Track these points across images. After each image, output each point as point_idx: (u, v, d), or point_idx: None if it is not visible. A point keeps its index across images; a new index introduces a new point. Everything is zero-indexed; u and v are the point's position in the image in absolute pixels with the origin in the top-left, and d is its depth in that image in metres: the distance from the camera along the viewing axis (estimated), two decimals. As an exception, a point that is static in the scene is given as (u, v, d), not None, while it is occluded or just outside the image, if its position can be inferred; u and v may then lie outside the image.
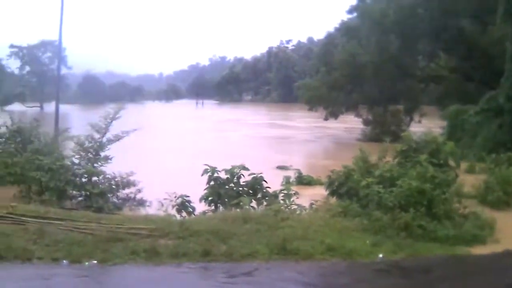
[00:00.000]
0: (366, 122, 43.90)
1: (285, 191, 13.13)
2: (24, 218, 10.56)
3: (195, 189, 13.55)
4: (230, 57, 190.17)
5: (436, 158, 13.66)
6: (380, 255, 9.58)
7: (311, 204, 13.09)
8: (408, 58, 42.43)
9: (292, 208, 12.42)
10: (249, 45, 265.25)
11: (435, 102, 44.66)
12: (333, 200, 13.28)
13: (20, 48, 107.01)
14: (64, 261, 8.55)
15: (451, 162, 14.33)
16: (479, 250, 10.48)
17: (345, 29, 45.64)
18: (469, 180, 15.83)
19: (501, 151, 22.68)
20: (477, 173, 18.70)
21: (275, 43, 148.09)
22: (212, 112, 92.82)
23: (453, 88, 42.33)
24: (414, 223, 10.88)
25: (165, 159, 27.23)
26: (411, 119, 43.27)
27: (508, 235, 11.48)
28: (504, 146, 24.65)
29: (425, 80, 45.85)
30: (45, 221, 10.38)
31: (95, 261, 8.52)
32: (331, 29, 49.77)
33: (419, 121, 42.00)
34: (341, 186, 13.32)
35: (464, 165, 20.15)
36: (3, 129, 20.45)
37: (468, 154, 23.81)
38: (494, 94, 29.33)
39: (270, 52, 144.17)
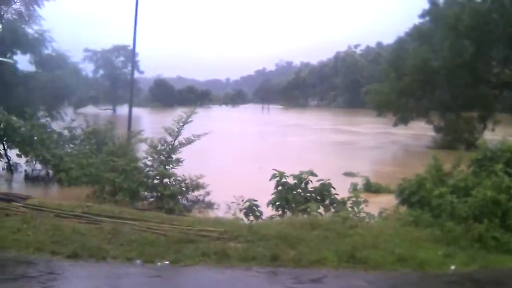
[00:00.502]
0: (437, 129, 42.74)
1: (354, 198, 12.99)
2: (99, 217, 10.99)
3: (262, 193, 13.68)
4: (297, 62, 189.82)
5: (512, 168, 13.10)
6: (453, 267, 9.28)
7: (380, 212, 12.87)
8: (482, 64, 41.05)
9: (361, 216, 12.27)
10: (316, 50, 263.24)
11: (509, 110, 42.91)
12: (403, 209, 13.00)
13: (94, 52, 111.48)
14: (138, 260, 8.79)
15: (528, 173, 13.67)
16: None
17: (417, 34, 44.61)
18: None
19: None
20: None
21: (342, 49, 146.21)
22: (277, 117, 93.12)
23: (527, 96, 40.62)
24: (488, 234, 10.49)
25: (232, 163, 27.57)
26: (485, 127, 41.72)
27: None
28: None
29: (499, 87, 44.14)
30: (120, 221, 10.74)
31: (167, 262, 8.72)
32: (400, 34, 48.78)
33: (492, 129, 40.40)
34: (413, 195, 12.96)
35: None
36: (79, 131, 21.48)
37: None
38: None
39: (337, 57, 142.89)
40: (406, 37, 47.55)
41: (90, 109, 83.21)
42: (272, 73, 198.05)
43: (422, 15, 44.25)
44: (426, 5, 43.14)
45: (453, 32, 38.61)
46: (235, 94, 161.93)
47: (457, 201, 11.47)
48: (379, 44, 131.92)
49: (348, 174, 22.60)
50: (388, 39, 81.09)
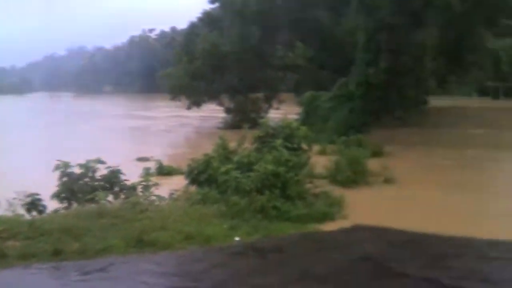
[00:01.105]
0: (227, 111, 44.54)
1: (144, 183, 12.92)
2: None
3: (48, 187, 12.86)
4: (90, 46, 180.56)
5: (291, 142, 14.26)
6: (237, 238, 9.83)
7: (171, 194, 13.05)
8: (267, 48, 43.64)
9: (151, 199, 12.28)
10: (110, 34, 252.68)
11: (292, 90, 46.53)
12: (193, 188, 13.35)
13: None
14: None
15: (305, 146, 15.02)
16: (328, 227, 11.11)
17: (207, 19, 45.77)
18: (321, 162, 16.76)
19: (351, 134, 24.37)
20: (328, 155, 19.79)
21: (137, 33, 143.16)
22: (68, 105, 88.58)
23: (308, 76, 44.50)
24: (269, 204, 11.34)
25: (15, 157, 25.44)
26: (270, 106, 44.69)
27: (355, 210, 12.35)
28: (354, 129, 26.57)
29: (283, 69, 47.57)
30: None
31: None
32: (193, 19, 49.56)
33: (277, 108, 43.46)
34: (201, 174, 13.46)
35: (317, 147, 21.33)
36: None
37: (321, 138, 25.24)
38: (346, 81, 31.42)
39: (132, 41, 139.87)
40: (198, 22, 48.50)
41: None
42: (63, 59, 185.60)
43: (212, 1, 45.37)
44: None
45: (240, 17, 40.37)
46: (21, 82, 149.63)
47: (241, 176, 12.17)
48: (173, 29, 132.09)
49: (141, 159, 22.39)
50: (183, 24, 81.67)
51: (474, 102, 49.57)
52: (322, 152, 21.56)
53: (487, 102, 50.73)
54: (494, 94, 59.01)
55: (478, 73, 44.42)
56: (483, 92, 58.93)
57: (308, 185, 13.19)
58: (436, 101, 41.33)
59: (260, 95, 45.19)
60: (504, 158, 21.78)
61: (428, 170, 19.32)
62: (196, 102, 46.05)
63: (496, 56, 41.54)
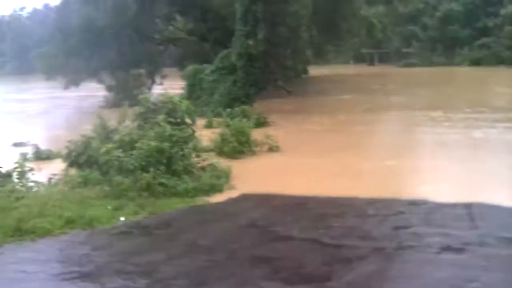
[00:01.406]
0: (109, 88, 42.95)
1: (19, 169, 12.19)
2: None
3: None
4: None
5: (174, 117, 14.06)
6: (122, 218, 9.65)
7: (50, 178, 12.46)
8: (146, 21, 42.46)
9: (28, 186, 11.65)
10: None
11: (176, 64, 46.00)
12: (74, 171, 12.84)
13: None
14: None
15: (188, 120, 14.89)
16: (216, 198, 11.27)
17: (88, -6, 43.55)
18: (208, 135, 16.79)
19: (236, 105, 24.56)
20: (215, 128, 19.85)
21: (7, 13, 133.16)
22: None
23: (191, 50, 44.26)
24: (155, 181, 11.17)
25: None
26: (153, 82, 43.75)
27: (242, 180, 12.54)
28: (239, 100, 26.86)
29: (164, 43, 46.82)
30: None
31: None
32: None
33: (161, 83, 42.67)
34: (80, 156, 12.99)
35: (203, 121, 21.35)
36: None
37: (207, 111, 25.31)
38: (227, 53, 31.51)
39: (2, 21, 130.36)
40: (72, -3, 46.09)
41: None
42: None
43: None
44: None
45: (115, -10, 38.89)
46: None
47: (123, 155, 11.82)
48: (46, 6, 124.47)
49: (17, 145, 21.03)
50: (56, 0, 77.09)
51: (351, 70, 52.19)
52: (209, 126, 21.62)
53: (362, 69, 53.65)
54: (370, 60, 62.61)
55: (354, 41, 46.48)
56: (359, 59, 62.30)
57: (195, 159, 13.10)
58: (316, 70, 42.83)
59: (142, 71, 44.03)
60: (373, 121, 23.07)
61: (307, 136, 19.99)
62: (73, 81, 43.80)
63: (369, 23, 43.65)
